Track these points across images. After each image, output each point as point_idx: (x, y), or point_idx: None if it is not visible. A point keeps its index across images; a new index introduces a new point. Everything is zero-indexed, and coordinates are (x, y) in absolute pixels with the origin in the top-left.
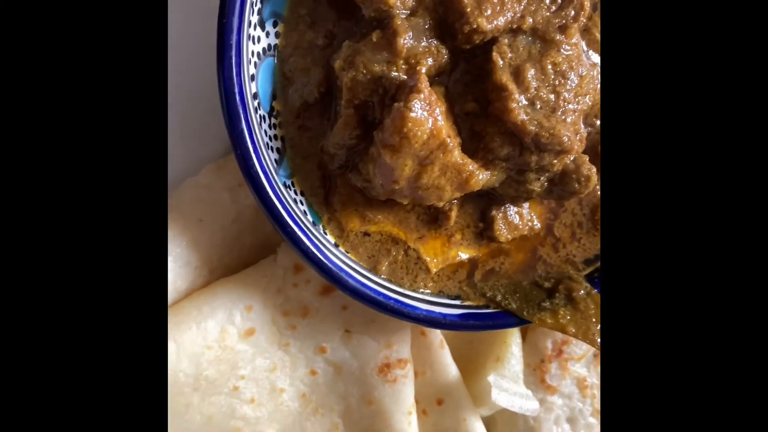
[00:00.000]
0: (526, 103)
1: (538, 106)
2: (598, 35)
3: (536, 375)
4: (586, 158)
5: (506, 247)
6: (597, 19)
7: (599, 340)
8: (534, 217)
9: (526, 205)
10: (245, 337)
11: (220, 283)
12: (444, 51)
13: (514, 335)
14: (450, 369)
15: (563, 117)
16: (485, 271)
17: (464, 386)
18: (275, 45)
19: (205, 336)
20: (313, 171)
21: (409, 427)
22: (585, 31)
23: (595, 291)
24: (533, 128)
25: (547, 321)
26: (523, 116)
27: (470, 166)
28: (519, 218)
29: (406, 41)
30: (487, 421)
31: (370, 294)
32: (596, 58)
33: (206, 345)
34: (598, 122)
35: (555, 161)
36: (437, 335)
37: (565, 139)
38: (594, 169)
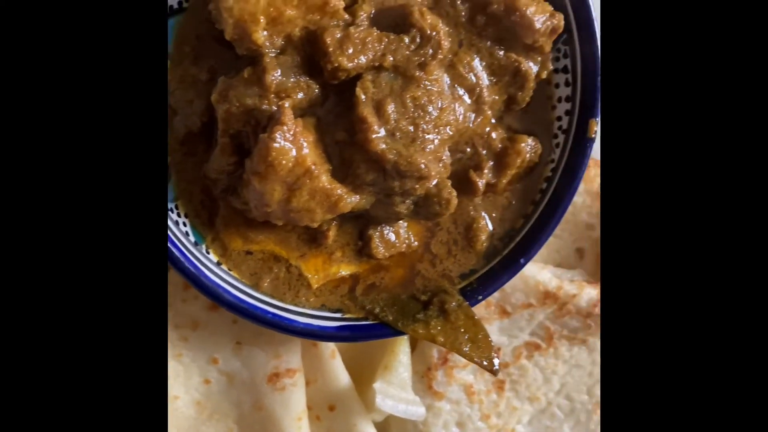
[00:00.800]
0: (386, 134)
1: (398, 137)
2: (462, 70)
3: (424, 382)
4: (449, 183)
5: (386, 263)
6: (462, 56)
7: (466, 349)
8: (411, 235)
9: (403, 224)
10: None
11: None
12: (314, 85)
13: (402, 344)
14: (340, 377)
15: (422, 146)
16: (366, 285)
17: (355, 393)
18: None
19: None
20: (196, 194)
21: (299, 431)
22: (450, 67)
23: (466, 303)
24: (392, 157)
25: (419, 331)
26: (382, 146)
27: (339, 191)
28: (395, 236)
29: (274, 77)
30: (382, 426)
31: (248, 309)
32: (462, 91)
33: None
34: (469, 149)
35: (416, 186)
36: (328, 346)
37: (422, 166)
38: (454, 193)
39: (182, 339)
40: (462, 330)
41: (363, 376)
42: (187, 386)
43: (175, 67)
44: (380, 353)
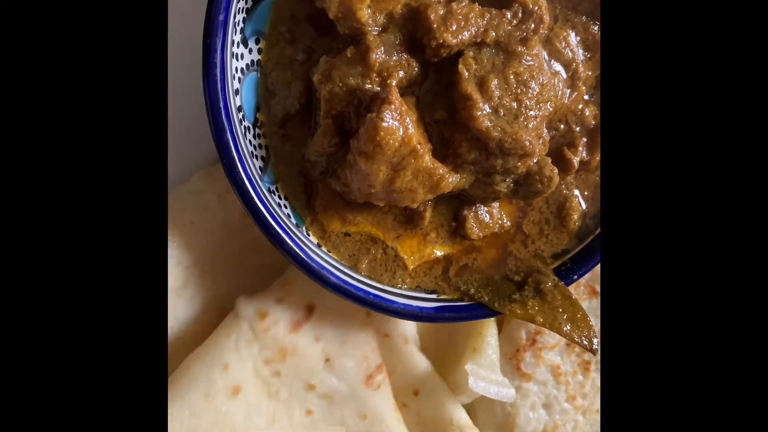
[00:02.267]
0: (490, 110)
1: (502, 114)
2: (559, 45)
3: (512, 363)
4: (549, 160)
5: (478, 244)
6: (558, 31)
7: (566, 328)
8: (504, 215)
9: (495, 204)
10: (232, 396)
11: (190, 357)
12: (414, 64)
13: (490, 327)
14: (418, 361)
15: (525, 123)
16: (459, 266)
17: (436, 375)
18: (258, 60)
19: (191, 409)
20: (295, 177)
21: (400, 423)
22: (547, 42)
23: (561, 283)
24: (497, 134)
25: (517, 312)
26: (487, 123)
27: (440, 170)
28: (489, 217)
29: (378, 56)
30: (467, 409)
31: (351, 290)
32: (558, 67)
33: (194, 416)
34: (563, 126)
35: (519, 164)
36: (400, 334)
37: (527, 143)
38: (555, 170)
39: (275, 374)
40: (560, 310)
41: (448, 360)
42: (292, 424)
43: (271, 48)
44: (465, 337)
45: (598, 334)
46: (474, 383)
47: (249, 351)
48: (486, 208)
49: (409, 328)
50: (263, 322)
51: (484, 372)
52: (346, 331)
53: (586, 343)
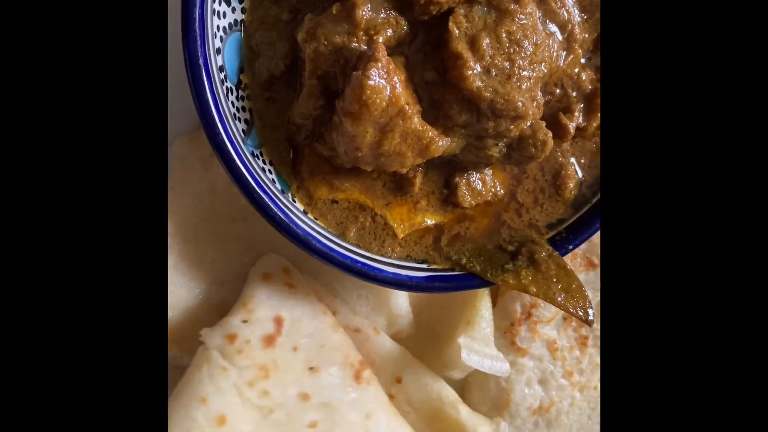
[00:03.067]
0: (482, 70)
1: (494, 74)
2: (554, 5)
3: (507, 338)
4: (543, 124)
5: (471, 212)
6: None
7: (560, 299)
8: (497, 183)
9: (489, 171)
10: (219, 428)
11: (169, 401)
12: (403, 22)
13: (484, 299)
14: (393, 349)
15: (518, 84)
16: (451, 235)
17: (412, 357)
18: (241, 20)
19: None
20: (281, 141)
21: (397, 414)
22: (541, 2)
23: (556, 253)
24: (488, 95)
25: (510, 282)
26: (478, 83)
27: (430, 133)
28: (482, 184)
29: (364, 13)
30: (461, 385)
31: (337, 258)
32: (553, 28)
33: None
34: (558, 90)
35: (511, 127)
36: (368, 327)
37: (519, 104)
38: (550, 134)
39: (263, 394)
40: (554, 280)
41: (442, 333)
42: None
43: (256, 7)
44: (459, 309)
45: (596, 307)
46: (467, 357)
47: (226, 379)
48: (479, 175)
49: (376, 318)
50: (234, 345)
51: (478, 345)
52: (320, 335)
53: (581, 314)
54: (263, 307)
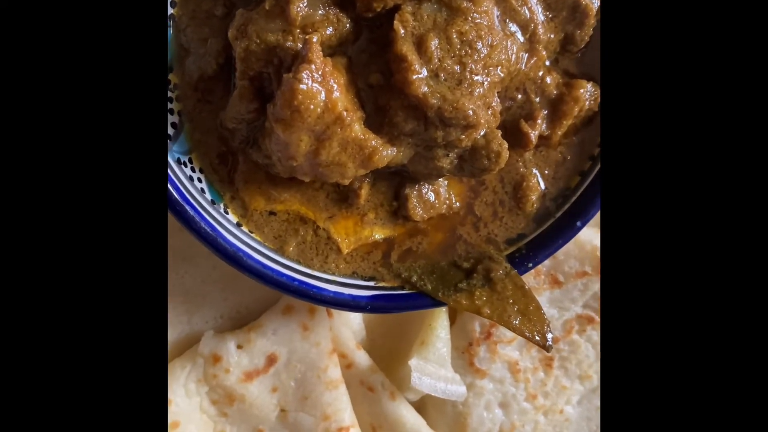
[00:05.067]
0: (429, 74)
1: (443, 78)
2: (515, 3)
3: (465, 358)
4: (498, 133)
5: (423, 226)
6: None
7: (516, 322)
8: (452, 195)
9: (444, 182)
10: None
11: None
12: (345, 19)
13: (440, 318)
14: (407, 418)
15: (470, 89)
16: (402, 251)
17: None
18: (171, 14)
19: None
20: (213, 147)
21: None
22: None
23: (514, 271)
24: (435, 102)
25: (462, 302)
26: (424, 89)
27: (373, 142)
28: (435, 196)
29: (300, 9)
30: (418, 406)
31: (271, 275)
32: (514, 28)
33: None
34: (520, 96)
35: (462, 136)
36: (386, 388)
37: (470, 113)
38: (505, 145)
39: (222, 414)
40: (511, 301)
41: (397, 353)
42: None
43: (187, 1)
44: (415, 328)
45: (553, 330)
46: (417, 380)
47: (198, 388)
48: (431, 187)
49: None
50: (214, 368)
51: (432, 367)
52: (309, 387)
53: (538, 338)
54: (264, 340)
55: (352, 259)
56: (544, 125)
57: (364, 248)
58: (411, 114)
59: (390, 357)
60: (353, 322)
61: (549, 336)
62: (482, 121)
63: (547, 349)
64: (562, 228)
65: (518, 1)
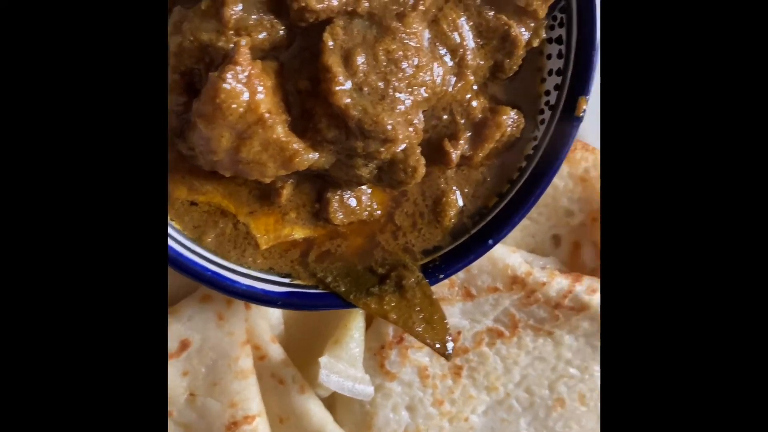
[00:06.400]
0: (353, 87)
1: (366, 92)
2: (446, 28)
3: (376, 360)
4: (417, 150)
5: (344, 230)
6: (448, 12)
7: (419, 329)
8: (374, 202)
9: (367, 190)
10: None
11: None
12: (280, 26)
13: (356, 319)
14: (314, 412)
15: (391, 105)
16: (320, 252)
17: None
18: None
19: None
20: None
21: None
22: (433, 22)
23: (425, 281)
24: (356, 113)
25: (371, 306)
26: (346, 100)
27: (294, 145)
28: (357, 202)
29: (234, 12)
30: (327, 403)
31: (185, 264)
32: (444, 51)
33: None
34: (446, 116)
35: (381, 149)
36: (296, 382)
37: (389, 127)
38: (422, 161)
39: None
40: (417, 309)
41: (312, 349)
42: None
43: None
44: (334, 326)
45: (458, 339)
46: (326, 377)
47: None
48: (353, 192)
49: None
50: None
51: (342, 366)
52: (221, 375)
53: (438, 346)
54: (179, 325)
55: (270, 255)
56: (466, 146)
57: (283, 246)
58: (334, 122)
59: (306, 352)
60: (272, 316)
61: (449, 345)
62: (401, 136)
63: (447, 357)
64: (475, 244)
65: (449, 26)
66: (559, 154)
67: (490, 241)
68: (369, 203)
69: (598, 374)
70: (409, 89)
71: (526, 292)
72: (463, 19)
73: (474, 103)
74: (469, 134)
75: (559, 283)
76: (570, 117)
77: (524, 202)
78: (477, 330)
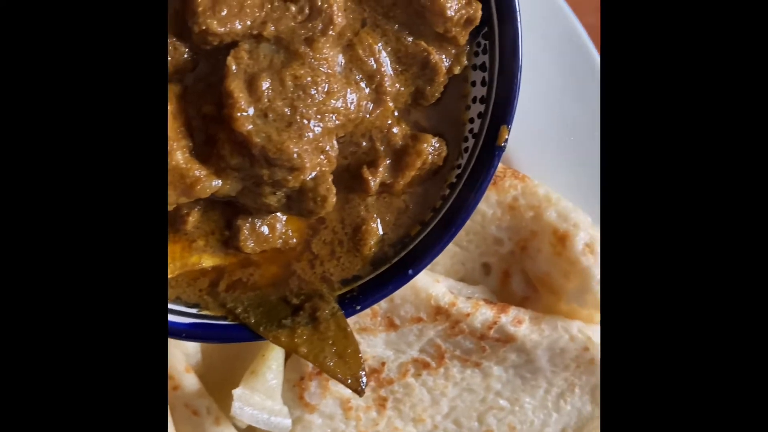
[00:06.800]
0: (256, 113)
1: (271, 119)
2: (362, 53)
3: (295, 392)
4: (329, 178)
5: (257, 258)
6: (364, 37)
7: (330, 363)
8: (290, 230)
9: (282, 217)
10: None
11: None
12: (183, 48)
13: (274, 349)
14: None
15: (298, 132)
16: (232, 281)
17: None
18: None
19: None
20: None
21: None
22: (348, 47)
23: (341, 312)
24: (260, 140)
25: (281, 339)
26: (249, 126)
27: (196, 172)
28: (269, 230)
29: None
30: None
31: None
32: (359, 77)
33: None
34: (365, 143)
35: (289, 177)
36: (212, 413)
37: (295, 155)
38: (333, 190)
39: None
40: (330, 342)
41: (233, 379)
42: None
43: None
44: (249, 358)
45: (380, 375)
46: (239, 410)
47: None
48: (266, 220)
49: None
50: None
51: (258, 398)
52: None
53: (350, 381)
54: None
55: (177, 284)
56: (386, 173)
57: (191, 274)
58: (237, 149)
59: (224, 382)
60: (188, 345)
61: (363, 381)
62: (308, 164)
63: (359, 393)
64: (395, 274)
65: (365, 51)
66: (480, 185)
67: (410, 271)
68: (284, 231)
69: (529, 406)
70: (319, 116)
71: (451, 323)
72: (380, 44)
73: (395, 130)
74: (389, 162)
75: (483, 314)
76: (492, 146)
77: (446, 231)
78: (402, 361)
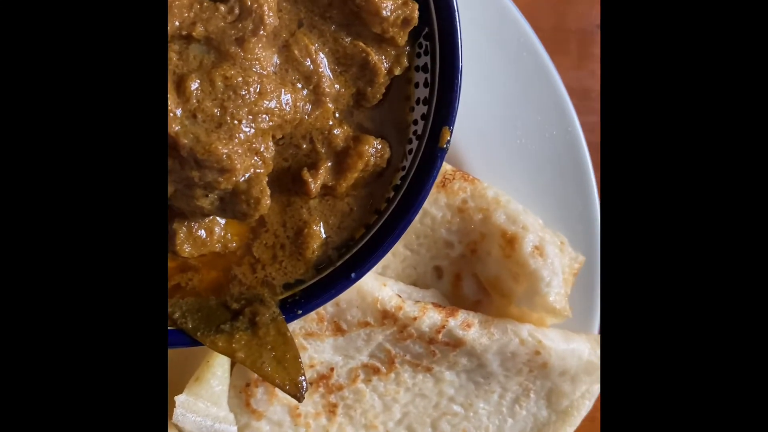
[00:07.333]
0: (185, 114)
1: (200, 120)
2: (298, 54)
3: (241, 398)
4: (263, 180)
5: (195, 263)
6: (300, 37)
7: (268, 369)
8: (229, 233)
9: (221, 220)
10: None
11: None
12: None
13: (219, 356)
14: None
15: (229, 134)
16: (170, 286)
17: None
18: None
19: None
20: None
21: None
22: (284, 48)
23: (281, 317)
24: (188, 142)
25: (219, 344)
26: (176, 128)
27: None
28: (207, 233)
29: None
30: None
31: None
32: (296, 78)
33: None
34: (306, 144)
35: (220, 179)
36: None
37: (224, 157)
38: (267, 192)
39: None
40: (269, 347)
41: (177, 386)
42: None
43: None
44: (195, 365)
45: (325, 383)
46: (181, 417)
47: None
48: (203, 223)
49: None
50: None
51: (202, 405)
52: None
53: (289, 387)
54: None
55: None
56: (328, 176)
57: None
58: (168, 151)
59: (171, 390)
60: None
61: (303, 386)
62: (238, 166)
63: (299, 399)
64: (338, 278)
65: (301, 52)
66: (423, 187)
67: (353, 275)
68: (223, 234)
69: (483, 411)
70: (251, 116)
71: (399, 327)
72: (317, 45)
73: (336, 131)
74: (330, 164)
75: (431, 317)
76: (434, 148)
77: (390, 234)
78: (351, 366)
